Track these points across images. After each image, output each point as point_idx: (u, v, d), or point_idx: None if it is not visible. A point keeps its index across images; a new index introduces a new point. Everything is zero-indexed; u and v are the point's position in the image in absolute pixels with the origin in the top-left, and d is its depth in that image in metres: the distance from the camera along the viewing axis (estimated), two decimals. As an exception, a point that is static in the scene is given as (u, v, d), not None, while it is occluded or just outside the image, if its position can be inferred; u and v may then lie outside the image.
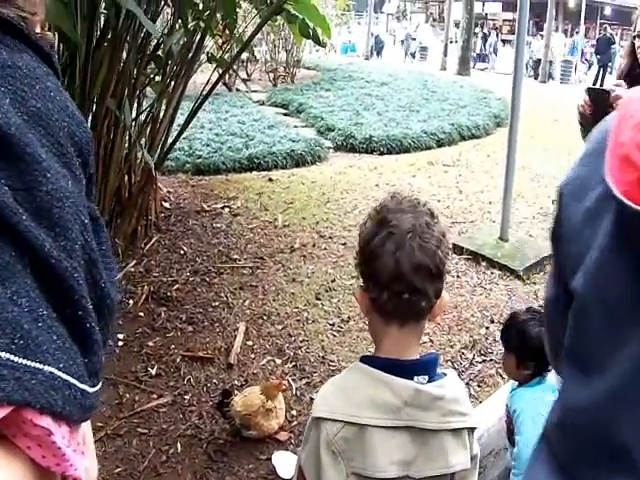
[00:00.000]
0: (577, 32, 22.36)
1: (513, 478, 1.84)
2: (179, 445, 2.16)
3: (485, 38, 23.14)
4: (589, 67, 21.20)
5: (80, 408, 0.43)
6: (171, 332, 2.88)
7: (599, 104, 2.39)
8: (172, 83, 3.82)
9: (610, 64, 16.43)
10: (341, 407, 1.03)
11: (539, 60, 17.31)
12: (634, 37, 2.41)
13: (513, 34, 5.03)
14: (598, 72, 16.24)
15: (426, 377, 1.04)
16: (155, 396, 2.42)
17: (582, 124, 2.56)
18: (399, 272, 0.98)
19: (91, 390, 0.45)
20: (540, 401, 1.83)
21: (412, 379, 1.03)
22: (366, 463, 1.01)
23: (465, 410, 1.07)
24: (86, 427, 0.61)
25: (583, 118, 2.50)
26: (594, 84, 15.20)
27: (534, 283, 3.60)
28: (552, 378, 1.93)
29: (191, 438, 2.20)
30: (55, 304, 0.42)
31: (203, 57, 4.20)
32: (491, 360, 2.80)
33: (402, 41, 24.19)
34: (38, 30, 0.50)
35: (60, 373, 0.40)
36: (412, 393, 1.02)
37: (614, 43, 17.24)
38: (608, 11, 29.41)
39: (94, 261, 0.48)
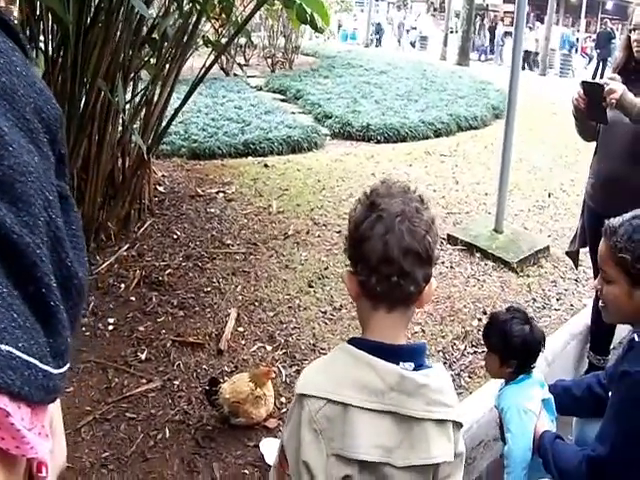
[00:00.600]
0: (566, 25, 22.32)
1: (506, 476, 1.84)
2: (167, 430, 2.15)
3: (493, 30, 22.99)
4: (589, 61, 21.14)
5: (42, 389, 0.41)
6: (162, 317, 2.86)
7: (593, 97, 2.38)
8: (167, 66, 3.78)
9: (610, 58, 16.40)
10: (325, 385, 1.03)
11: (528, 52, 17.53)
12: (630, 31, 2.40)
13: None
14: (597, 66, 16.25)
15: (412, 364, 1.04)
16: (144, 381, 2.40)
17: (576, 117, 2.56)
18: (388, 255, 0.98)
19: (55, 371, 0.43)
20: (526, 396, 1.84)
21: (398, 364, 1.03)
22: (346, 443, 1.00)
23: (449, 402, 1.07)
24: (54, 410, 0.59)
25: (577, 111, 2.50)
26: (593, 78, 15.19)
27: (527, 275, 3.60)
28: (539, 373, 1.94)
29: (179, 424, 2.19)
30: (16, 281, 0.40)
31: (199, 41, 4.15)
32: (482, 352, 2.78)
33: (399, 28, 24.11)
34: (2, 4, 0.49)
35: (19, 353, 0.39)
36: (397, 378, 1.01)
37: (614, 38, 17.19)
38: (609, 5, 29.30)
39: (59, 239, 0.47)
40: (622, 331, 3.16)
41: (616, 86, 2.27)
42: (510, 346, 1.83)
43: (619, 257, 1.53)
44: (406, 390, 1.01)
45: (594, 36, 23.00)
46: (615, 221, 1.57)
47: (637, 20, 2.35)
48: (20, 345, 0.39)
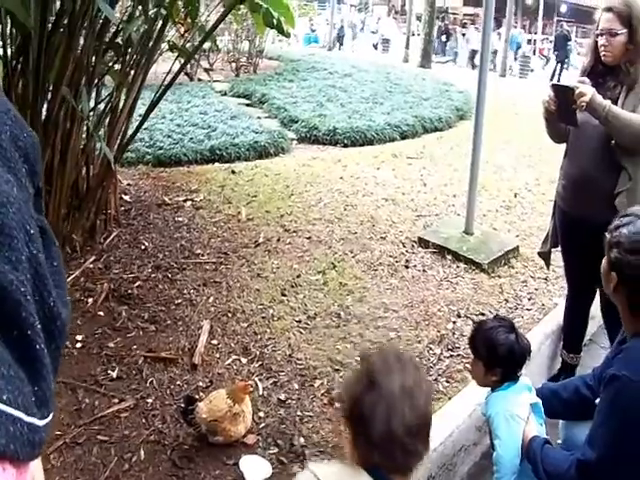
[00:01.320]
0: (515, 27, 22.94)
1: None
2: (142, 452, 2.07)
3: (463, 34, 23.60)
4: (546, 62, 21.67)
5: (29, 445, 0.37)
6: (132, 332, 2.77)
7: (564, 100, 2.41)
8: (132, 72, 3.68)
9: (567, 60, 16.88)
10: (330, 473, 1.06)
11: (475, 51, 18.86)
12: (596, 36, 2.44)
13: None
14: (555, 67, 16.69)
15: None
16: (116, 400, 2.31)
17: (547, 119, 2.59)
18: (392, 436, 0.99)
19: (41, 423, 0.39)
20: (513, 402, 1.85)
21: None
22: None
23: None
24: (36, 464, 0.54)
25: (548, 113, 2.53)
26: (551, 79, 15.59)
27: (499, 276, 3.62)
28: (526, 378, 1.94)
29: (155, 444, 2.11)
30: None
31: (164, 46, 4.07)
32: (459, 355, 2.79)
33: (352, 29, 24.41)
34: None
35: (3, 406, 0.34)
36: None
37: (570, 40, 17.75)
38: (564, 9, 30.08)
39: (42, 276, 0.42)
40: (593, 328, 3.23)
41: (586, 89, 2.30)
42: (495, 354, 1.84)
43: (606, 236, 1.63)
44: None
45: (551, 38, 23.61)
46: (632, 209, 1.65)
47: (603, 25, 2.38)
48: (5, 397, 0.35)
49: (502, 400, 1.86)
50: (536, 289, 3.52)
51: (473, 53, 19.52)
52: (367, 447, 1.01)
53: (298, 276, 3.41)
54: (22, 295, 0.38)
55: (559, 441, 2.08)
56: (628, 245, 1.54)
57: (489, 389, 1.97)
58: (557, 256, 3.00)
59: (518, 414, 1.82)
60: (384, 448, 0.99)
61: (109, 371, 2.48)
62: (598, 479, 1.51)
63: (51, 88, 3.04)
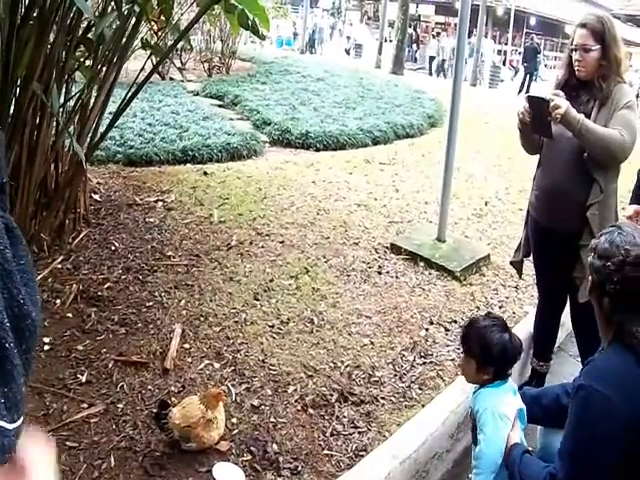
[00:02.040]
0: (486, 37, 23.55)
1: (475, 478, 1.84)
2: (112, 459, 2.01)
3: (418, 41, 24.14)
4: (515, 73, 22.08)
5: None
6: (102, 335, 2.71)
7: (538, 112, 2.45)
8: (104, 69, 3.61)
9: (535, 72, 17.24)
10: None
11: (433, 57, 20.36)
12: (571, 50, 2.48)
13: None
14: (524, 79, 16.98)
15: None
16: (85, 405, 2.25)
17: (521, 130, 2.63)
18: None
19: (10, 426, 0.37)
20: (501, 400, 1.86)
21: None
22: None
23: None
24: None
25: (522, 124, 2.57)
26: (520, 91, 15.90)
27: (470, 284, 3.66)
28: (511, 380, 1.96)
29: (125, 451, 2.06)
30: None
31: (137, 43, 4.00)
32: (431, 362, 2.81)
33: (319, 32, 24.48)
34: None
35: None
36: None
37: (539, 52, 18.15)
38: (533, 21, 30.74)
39: (9, 273, 0.40)
40: (561, 336, 3.28)
41: (561, 102, 2.33)
42: (489, 353, 1.85)
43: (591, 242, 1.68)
44: None
45: (520, 49, 24.08)
46: (619, 222, 1.70)
47: (577, 41, 2.42)
48: None
49: (491, 397, 1.87)
50: (507, 297, 3.56)
51: (432, 60, 20.29)
52: None
53: (271, 280, 3.39)
54: None
55: (532, 448, 2.10)
56: (600, 251, 1.59)
57: (475, 385, 1.97)
58: (527, 265, 3.04)
59: (506, 413, 1.83)
60: None
61: (78, 375, 2.42)
62: None
63: (20, 83, 2.96)
